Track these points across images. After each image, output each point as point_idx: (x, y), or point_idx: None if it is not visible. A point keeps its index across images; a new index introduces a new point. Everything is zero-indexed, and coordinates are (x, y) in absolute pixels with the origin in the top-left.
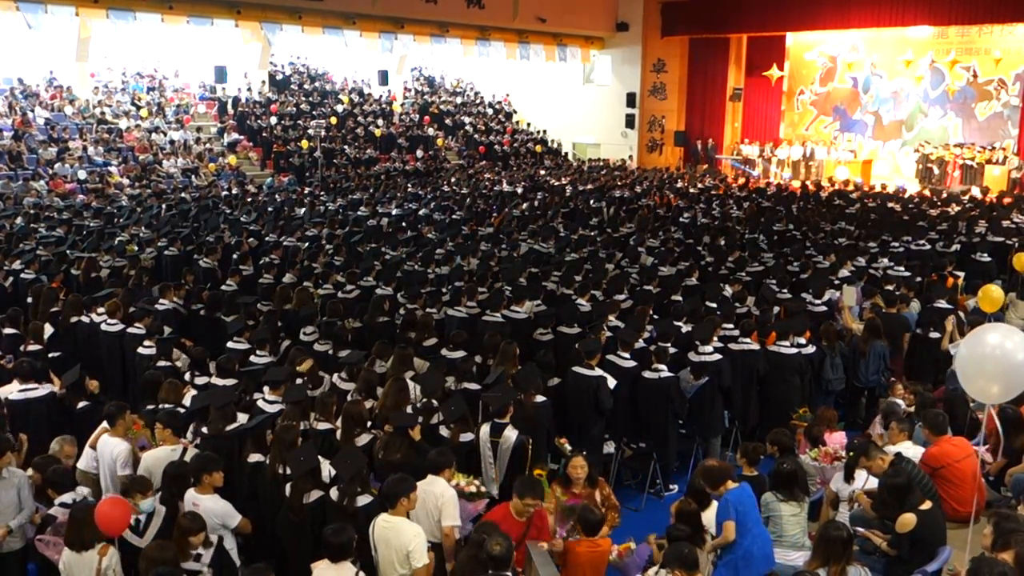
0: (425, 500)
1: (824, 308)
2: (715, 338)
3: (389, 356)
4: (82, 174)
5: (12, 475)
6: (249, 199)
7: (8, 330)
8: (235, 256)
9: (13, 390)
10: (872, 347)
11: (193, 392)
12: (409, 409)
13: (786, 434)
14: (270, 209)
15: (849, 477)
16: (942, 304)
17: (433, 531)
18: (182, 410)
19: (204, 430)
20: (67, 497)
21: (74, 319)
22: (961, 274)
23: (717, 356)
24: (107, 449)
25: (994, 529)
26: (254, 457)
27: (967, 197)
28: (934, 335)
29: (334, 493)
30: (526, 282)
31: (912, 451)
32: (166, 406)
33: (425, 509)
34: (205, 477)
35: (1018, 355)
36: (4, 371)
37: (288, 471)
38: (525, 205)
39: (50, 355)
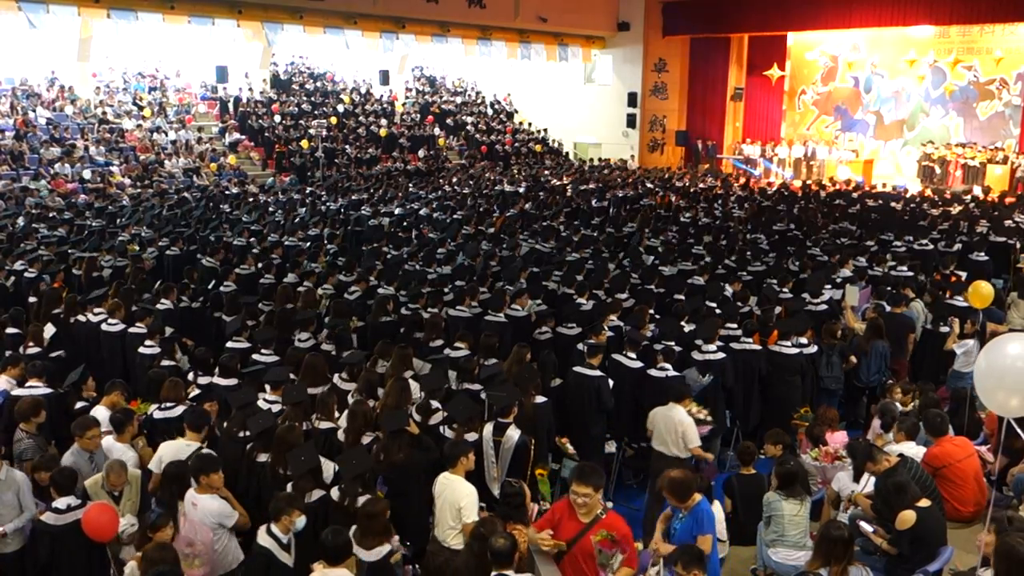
0: (667, 425)
1: (825, 307)
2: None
3: (391, 356)
4: (87, 173)
5: (11, 476)
6: (250, 199)
7: (10, 330)
8: (250, 255)
9: (13, 385)
10: (873, 347)
11: (196, 392)
12: (413, 410)
13: (782, 433)
14: (271, 209)
15: (858, 477)
16: (958, 301)
17: (680, 449)
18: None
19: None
20: (61, 502)
21: (74, 319)
22: (963, 274)
23: (720, 355)
24: (109, 448)
25: (996, 533)
26: (263, 457)
27: (968, 197)
28: (944, 329)
29: (335, 493)
30: (526, 282)
31: (914, 451)
32: (168, 404)
33: (671, 432)
34: (203, 478)
35: None
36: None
37: (289, 471)
38: (528, 204)
39: (51, 355)
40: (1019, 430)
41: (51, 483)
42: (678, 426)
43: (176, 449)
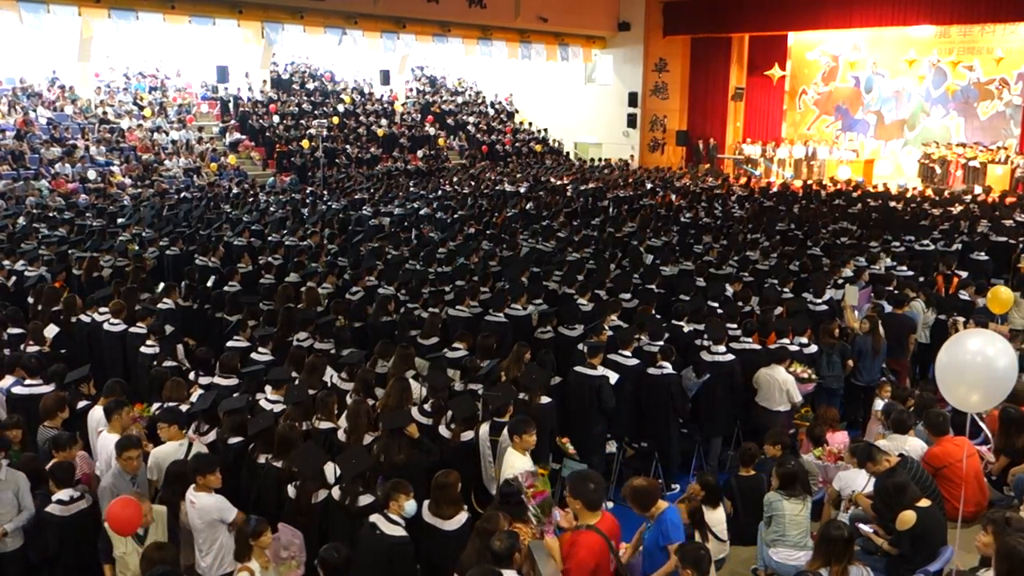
0: (771, 384)
1: (825, 308)
2: None
3: (391, 356)
4: (92, 174)
5: (9, 476)
6: (250, 199)
7: (13, 330)
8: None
9: (15, 383)
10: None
11: (199, 391)
12: (415, 409)
13: (782, 434)
14: (272, 209)
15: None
16: (964, 295)
17: (785, 403)
18: (185, 407)
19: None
20: (64, 494)
21: (75, 318)
22: (964, 274)
23: (730, 356)
24: (106, 445)
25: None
26: (264, 458)
27: (969, 197)
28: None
29: (336, 492)
30: (527, 281)
31: (916, 447)
32: (172, 405)
33: (776, 389)
34: (200, 478)
35: (999, 362)
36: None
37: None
38: (529, 204)
39: (54, 354)
40: (983, 425)
41: (50, 476)
42: (783, 384)
43: (166, 453)
